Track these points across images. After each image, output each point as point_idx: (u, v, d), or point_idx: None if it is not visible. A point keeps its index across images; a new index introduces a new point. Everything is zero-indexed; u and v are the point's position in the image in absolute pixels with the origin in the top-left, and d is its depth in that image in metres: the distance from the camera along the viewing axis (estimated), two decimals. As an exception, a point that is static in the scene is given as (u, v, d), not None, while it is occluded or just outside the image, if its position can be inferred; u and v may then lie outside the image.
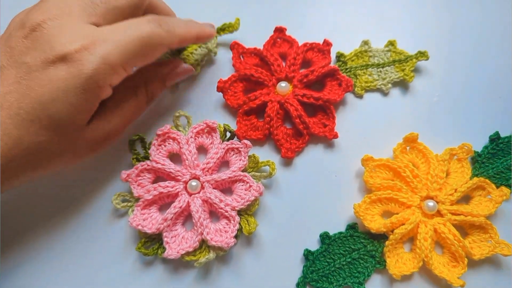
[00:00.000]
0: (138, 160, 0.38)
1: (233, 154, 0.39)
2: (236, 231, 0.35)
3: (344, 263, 0.37)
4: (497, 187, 0.38)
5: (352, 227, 0.38)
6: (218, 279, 0.37)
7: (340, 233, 0.38)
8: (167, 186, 0.37)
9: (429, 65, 0.43)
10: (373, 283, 0.37)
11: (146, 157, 0.38)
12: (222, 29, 0.44)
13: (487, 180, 0.38)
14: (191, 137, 0.38)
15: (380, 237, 0.37)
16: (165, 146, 0.38)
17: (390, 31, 0.45)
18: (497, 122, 0.41)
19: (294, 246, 0.38)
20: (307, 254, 0.37)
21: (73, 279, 0.37)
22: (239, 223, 0.36)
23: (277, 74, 0.41)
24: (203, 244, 0.36)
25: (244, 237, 0.38)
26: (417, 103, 0.42)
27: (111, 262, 0.37)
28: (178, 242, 0.36)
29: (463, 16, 0.46)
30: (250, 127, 0.41)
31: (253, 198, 0.36)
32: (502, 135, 0.40)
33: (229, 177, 0.37)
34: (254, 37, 0.44)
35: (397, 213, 0.37)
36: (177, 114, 0.39)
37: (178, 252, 0.34)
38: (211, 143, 0.39)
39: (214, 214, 0.38)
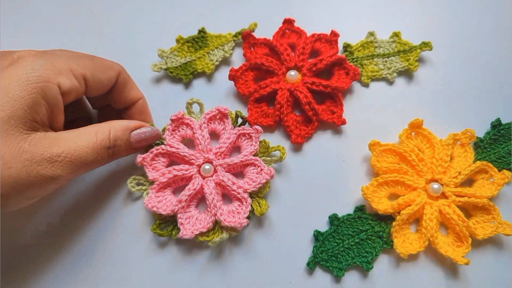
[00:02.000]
0: (152, 146, 0.39)
1: (244, 140, 0.40)
2: (248, 212, 0.37)
3: (352, 243, 0.38)
4: (499, 171, 0.40)
5: (360, 209, 0.39)
6: (231, 259, 0.38)
7: (349, 215, 0.39)
8: (182, 169, 0.38)
9: (432, 55, 0.45)
10: (381, 263, 0.38)
11: (161, 142, 0.39)
12: (239, 33, 0.45)
13: (489, 164, 0.39)
14: (204, 122, 0.39)
15: (387, 219, 0.39)
16: (178, 131, 0.39)
17: (395, 22, 0.46)
18: (499, 109, 0.43)
19: (304, 228, 0.39)
20: (317, 235, 0.38)
21: (90, 260, 0.38)
22: (251, 205, 0.37)
23: (286, 63, 0.43)
24: (216, 225, 0.37)
25: (256, 219, 0.39)
26: (421, 91, 0.44)
27: (127, 244, 0.39)
28: (192, 223, 0.37)
29: (466, 7, 0.47)
30: (261, 114, 0.42)
31: (264, 181, 0.37)
32: (504, 121, 0.42)
33: (241, 161, 0.38)
34: (263, 29, 0.45)
35: (403, 195, 0.39)
36: (190, 101, 0.40)
37: (192, 233, 0.36)
38: (223, 129, 0.40)
39: (226, 196, 0.39)
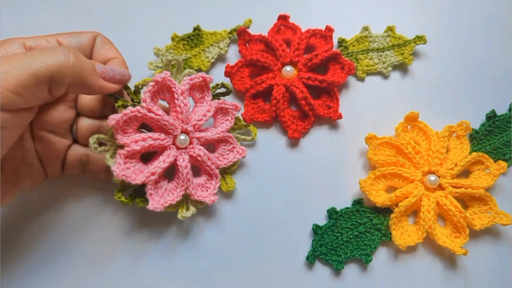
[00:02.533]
0: (124, 107, 0.34)
1: (220, 114, 0.39)
2: (218, 188, 0.37)
3: (351, 236, 0.38)
4: (495, 161, 0.40)
5: (358, 202, 0.40)
6: (231, 255, 0.38)
7: (347, 208, 0.39)
8: (158, 139, 0.35)
9: (427, 49, 0.45)
10: (380, 255, 0.38)
11: (133, 101, 0.35)
12: (234, 30, 0.45)
13: (485, 155, 0.40)
14: (187, 89, 0.36)
15: (385, 211, 0.39)
16: (158, 93, 0.35)
17: (389, 17, 0.46)
18: (493, 101, 0.43)
19: (303, 222, 0.39)
20: (316, 229, 0.39)
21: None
22: None
23: (282, 59, 0.43)
24: (182, 197, 0.36)
25: (254, 213, 0.39)
26: (417, 84, 0.44)
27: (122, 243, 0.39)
28: (161, 194, 0.35)
29: (459, 0, 0.47)
30: (257, 110, 0.42)
31: (236, 159, 0.38)
32: (498, 113, 0.42)
33: (218, 137, 0.38)
34: (258, 25, 0.45)
35: (400, 188, 0.39)
36: (170, 58, 0.36)
37: (162, 205, 0.34)
38: (201, 98, 0.38)
39: (195, 168, 0.37)
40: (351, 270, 0.38)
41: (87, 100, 0.36)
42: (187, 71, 0.37)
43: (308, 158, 0.41)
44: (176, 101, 0.35)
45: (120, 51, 0.46)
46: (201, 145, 0.37)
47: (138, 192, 0.35)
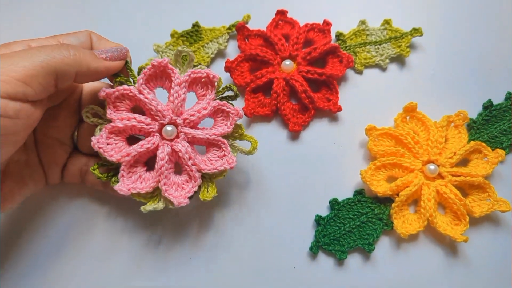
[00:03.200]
0: (121, 84, 0.35)
1: (220, 116, 0.36)
2: (193, 193, 0.35)
3: (353, 226, 0.39)
4: (492, 150, 0.41)
5: (359, 192, 0.40)
6: (234, 247, 0.39)
7: (348, 198, 0.40)
8: (142, 122, 0.34)
9: (423, 41, 0.46)
10: (382, 244, 0.39)
11: (133, 81, 0.35)
12: (233, 25, 0.45)
13: (483, 144, 0.40)
14: (186, 81, 0.35)
15: (386, 201, 0.40)
16: (156, 79, 0.35)
17: (385, 10, 0.47)
18: (489, 91, 0.44)
19: (305, 213, 0.40)
20: (318, 220, 0.39)
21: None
22: (198, 186, 0.35)
23: (281, 53, 0.43)
24: (157, 190, 0.35)
25: (257, 205, 0.40)
26: (414, 76, 0.45)
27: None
28: (133, 180, 0.34)
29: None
30: (257, 104, 0.43)
31: (222, 168, 0.35)
32: (495, 102, 0.43)
33: (208, 139, 0.35)
34: (256, 21, 0.46)
35: (401, 177, 0.39)
36: (181, 49, 0.35)
37: (129, 190, 0.33)
38: (203, 95, 0.36)
39: (178, 165, 0.36)
40: (354, 260, 0.38)
41: (91, 98, 0.37)
42: (199, 66, 0.36)
43: (309, 150, 0.42)
44: (171, 90, 0.35)
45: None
46: (188, 142, 0.35)
47: (118, 172, 0.34)
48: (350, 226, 0.39)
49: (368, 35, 0.46)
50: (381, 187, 0.39)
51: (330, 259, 0.38)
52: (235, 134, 0.37)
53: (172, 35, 0.45)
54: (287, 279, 0.38)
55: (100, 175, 0.34)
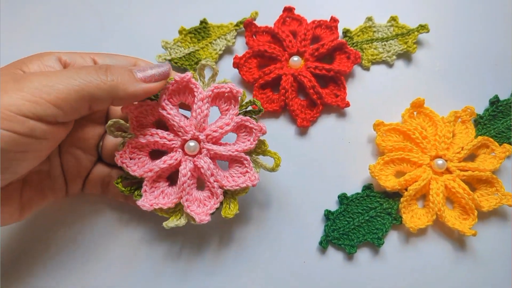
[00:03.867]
0: (149, 98, 0.34)
1: (244, 132, 0.36)
2: (215, 209, 0.34)
3: (362, 221, 0.39)
4: (500, 145, 0.41)
5: (368, 187, 0.40)
6: (244, 242, 0.39)
7: (357, 193, 0.40)
8: (165, 138, 0.34)
9: (430, 37, 0.46)
10: (391, 239, 0.39)
11: (154, 97, 0.34)
12: (241, 22, 0.46)
13: (490, 139, 0.41)
14: (209, 96, 0.34)
15: (395, 196, 0.40)
16: (178, 94, 0.35)
17: (392, 7, 0.47)
18: (496, 86, 0.44)
19: (315, 208, 0.40)
20: (328, 214, 0.39)
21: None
22: (220, 203, 0.35)
23: (289, 49, 0.43)
24: (179, 206, 0.35)
25: (266, 201, 0.40)
26: (421, 72, 0.45)
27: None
28: (156, 195, 0.34)
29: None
30: (266, 100, 0.43)
31: (244, 185, 0.34)
32: (501, 98, 0.43)
33: (230, 155, 0.35)
34: (264, 18, 0.46)
35: (409, 172, 0.39)
36: (205, 63, 0.34)
37: (151, 205, 0.33)
38: (226, 110, 0.35)
39: (201, 180, 0.36)
40: (363, 254, 0.39)
41: (116, 116, 0.36)
42: (223, 79, 0.35)
43: (317, 146, 0.42)
44: (194, 105, 0.34)
45: (129, 45, 0.47)
46: (210, 158, 0.35)
47: (141, 186, 0.35)
48: (359, 221, 0.39)
49: (375, 31, 0.46)
50: (389, 182, 0.39)
51: (339, 253, 0.39)
52: (258, 150, 0.36)
53: (180, 32, 0.45)
54: (297, 273, 0.38)
55: (123, 189, 0.34)
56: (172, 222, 0.33)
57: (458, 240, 0.39)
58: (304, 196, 0.40)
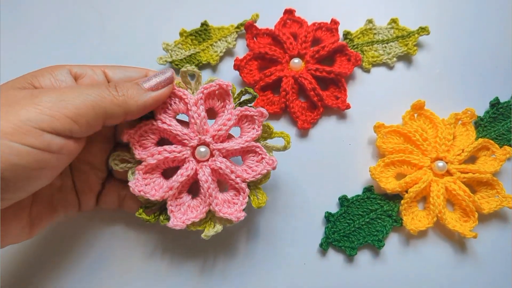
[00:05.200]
0: (141, 119, 0.33)
1: (246, 122, 0.35)
2: (246, 204, 0.34)
3: (363, 223, 0.39)
4: (500, 147, 0.41)
5: (368, 189, 0.40)
6: (244, 244, 0.39)
7: (358, 195, 0.40)
8: (174, 151, 0.33)
9: (430, 39, 0.46)
10: (392, 241, 0.39)
11: (150, 116, 0.34)
12: (241, 24, 0.46)
13: (491, 141, 0.41)
14: (201, 98, 0.34)
15: (395, 198, 0.40)
16: (171, 105, 0.34)
17: (392, 9, 0.47)
18: (496, 89, 0.44)
19: (315, 210, 0.40)
20: (328, 216, 0.39)
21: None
22: (248, 196, 0.34)
23: (289, 52, 0.44)
24: (208, 214, 0.34)
25: (267, 203, 0.40)
26: (421, 74, 0.45)
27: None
28: (183, 211, 0.34)
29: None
30: (266, 102, 0.43)
31: (265, 171, 0.34)
32: (502, 100, 0.43)
33: (242, 147, 0.34)
34: (264, 20, 0.46)
35: (410, 174, 0.39)
36: (185, 69, 0.34)
37: (183, 222, 0.33)
38: (222, 107, 0.35)
39: (220, 182, 0.36)
40: (364, 256, 0.39)
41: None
42: (208, 79, 0.34)
43: (318, 148, 0.42)
44: (189, 112, 0.34)
45: (130, 47, 0.47)
46: (224, 157, 0.34)
47: (164, 210, 0.34)
48: (360, 223, 0.39)
49: (375, 34, 0.46)
50: (390, 184, 0.39)
51: (340, 255, 0.39)
52: (265, 134, 0.36)
53: (181, 34, 0.45)
54: (298, 275, 0.38)
55: (148, 218, 0.33)
56: (211, 231, 0.33)
57: (459, 242, 0.39)
58: (304, 198, 0.40)
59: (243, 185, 0.34)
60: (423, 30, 0.45)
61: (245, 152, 0.35)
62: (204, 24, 0.46)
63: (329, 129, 0.43)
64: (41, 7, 0.48)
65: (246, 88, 0.35)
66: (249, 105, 0.35)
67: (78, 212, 0.36)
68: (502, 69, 0.45)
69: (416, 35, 0.45)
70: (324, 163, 0.42)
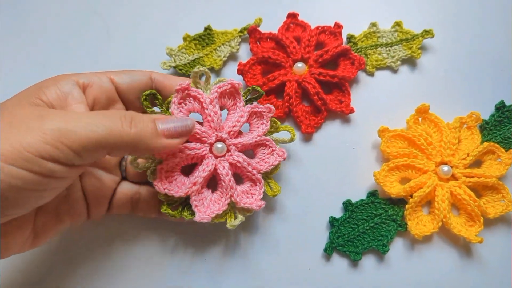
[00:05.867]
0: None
1: (255, 118, 0.38)
2: (263, 193, 0.36)
3: (367, 227, 0.39)
4: (506, 151, 0.41)
5: (373, 194, 0.40)
6: (248, 249, 0.39)
7: (362, 200, 0.40)
8: (194, 148, 0.35)
9: (434, 42, 0.46)
10: (396, 246, 0.39)
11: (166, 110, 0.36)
12: (245, 28, 0.46)
13: (496, 145, 0.40)
14: (216, 97, 0.36)
15: (400, 202, 0.40)
16: (185, 104, 0.36)
17: (396, 12, 0.47)
18: (502, 92, 0.44)
19: (319, 215, 0.40)
20: (332, 221, 0.39)
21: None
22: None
23: (293, 56, 0.43)
24: (228, 206, 0.36)
25: (271, 208, 0.40)
26: (426, 77, 0.45)
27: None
28: (206, 205, 0.35)
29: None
30: (270, 107, 0.43)
31: (276, 162, 0.37)
32: (507, 103, 0.43)
33: (255, 141, 0.37)
34: (268, 24, 0.46)
35: (414, 179, 0.39)
36: (197, 70, 0.35)
37: (209, 215, 0.34)
38: (233, 105, 0.38)
39: (236, 176, 0.37)
40: (368, 261, 0.39)
41: None
42: (217, 79, 0.37)
43: (322, 152, 0.42)
44: (206, 111, 0.35)
45: (134, 52, 0.47)
46: (239, 151, 0.36)
47: (185, 206, 0.36)
48: (364, 228, 0.39)
49: (379, 37, 0.46)
50: (394, 189, 0.39)
51: (344, 260, 0.39)
52: (271, 129, 0.38)
53: (184, 39, 0.45)
54: (302, 280, 0.38)
55: (173, 213, 0.35)
56: (236, 221, 0.35)
57: (464, 247, 0.39)
58: (308, 202, 0.40)
59: (259, 176, 0.36)
60: (428, 33, 0.45)
61: (256, 146, 0.38)
62: (208, 29, 0.46)
63: (333, 133, 0.43)
64: (45, 13, 0.49)
65: (254, 86, 0.38)
66: (255, 102, 0.38)
67: (84, 221, 0.35)
68: (507, 72, 0.45)
69: (421, 38, 0.45)
70: (328, 168, 0.42)
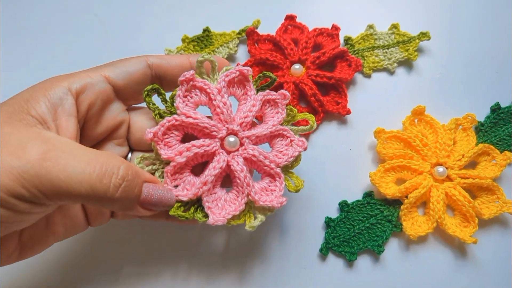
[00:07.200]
0: (161, 116, 0.32)
1: (269, 107, 0.34)
2: (283, 189, 0.32)
3: (363, 228, 0.39)
4: (501, 152, 0.41)
5: (368, 195, 0.41)
6: (244, 249, 0.39)
7: (358, 201, 0.40)
8: (203, 145, 0.31)
9: (431, 45, 0.46)
10: (392, 246, 0.39)
11: (171, 112, 0.32)
12: (243, 30, 0.46)
13: (491, 146, 0.41)
14: (224, 86, 0.32)
15: (395, 203, 0.40)
16: (191, 97, 0.32)
17: (393, 14, 0.48)
18: (497, 94, 0.44)
19: (315, 215, 0.40)
20: (328, 221, 0.40)
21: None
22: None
23: (290, 57, 0.44)
24: (246, 205, 0.32)
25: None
26: (422, 79, 0.45)
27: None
28: (221, 206, 0.32)
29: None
30: (267, 108, 0.43)
31: (297, 153, 0.33)
32: (502, 105, 0.43)
33: (270, 132, 0.33)
34: (266, 26, 0.46)
35: (410, 180, 0.40)
36: (201, 59, 0.31)
37: (224, 217, 0.31)
38: (244, 94, 0.34)
39: (252, 172, 0.34)
40: (363, 261, 0.39)
41: (141, 135, 0.33)
42: (224, 68, 0.33)
43: (319, 153, 0.42)
44: (214, 102, 0.32)
45: (132, 54, 0.47)
46: (254, 144, 0.33)
47: (198, 207, 0.32)
48: (360, 228, 0.39)
49: (376, 39, 0.46)
50: (390, 189, 0.39)
51: (339, 260, 0.39)
52: (288, 117, 0.35)
53: (183, 40, 0.46)
54: (298, 280, 0.38)
55: (183, 214, 0.31)
56: (256, 222, 0.31)
57: (459, 248, 0.39)
58: (304, 203, 0.41)
59: (278, 170, 0.33)
60: (424, 35, 0.45)
61: (272, 137, 0.34)
62: (206, 30, 0.46)
63: (329, 135, 0.43)
64: (44, 15, 0.49)
65: (265, 72, 0.34)
66: (268, 90, 0.34)
67: (82, 230, 0.32)
68: (502, 74, 0.45)
69: (417, 41, 0.46)
70: (325, 168, 0.42)
